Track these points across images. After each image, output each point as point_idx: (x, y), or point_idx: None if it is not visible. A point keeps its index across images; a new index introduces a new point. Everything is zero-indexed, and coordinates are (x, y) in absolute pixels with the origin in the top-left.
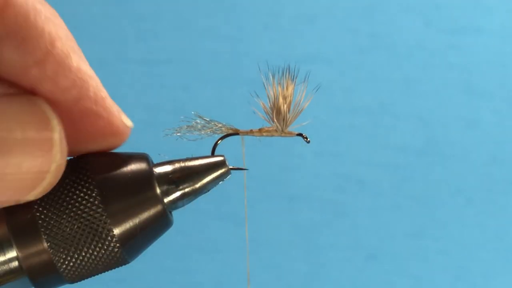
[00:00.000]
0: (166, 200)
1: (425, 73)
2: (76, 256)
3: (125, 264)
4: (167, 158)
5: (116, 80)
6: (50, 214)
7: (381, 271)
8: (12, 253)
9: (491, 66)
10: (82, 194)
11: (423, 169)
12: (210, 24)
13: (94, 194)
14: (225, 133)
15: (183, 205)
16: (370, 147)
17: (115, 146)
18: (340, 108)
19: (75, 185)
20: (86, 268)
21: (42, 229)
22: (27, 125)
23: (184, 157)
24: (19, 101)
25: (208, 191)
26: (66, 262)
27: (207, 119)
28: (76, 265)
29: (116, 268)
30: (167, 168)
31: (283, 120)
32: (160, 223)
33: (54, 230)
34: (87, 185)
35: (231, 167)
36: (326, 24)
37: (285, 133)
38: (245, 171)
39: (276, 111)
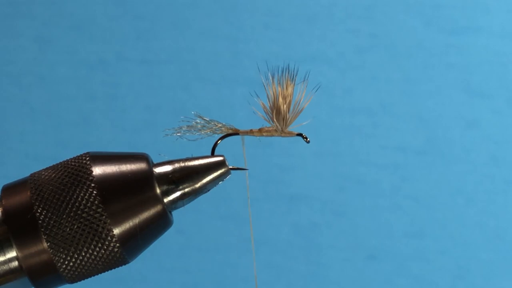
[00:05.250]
0: (166, 200)
1: (425, 73)
2: (76, 256)
3: (125, 264)
4: (167, 158)
5: (116, 80)
6: (50, 214)
7: (381, 271)
8: (12, 253)
9: (491, 66)
10: (82, 194)
11: (423, 169)
12: (210, 24)
13: (94, 194)
14: (225, 133)
15: (183, 205)
16: (370, 147)
17: None
18: (340, 108)
19: (75, 185)
20: (86, 268)
21: (42, 229)
22: None
23: (184, 157)
24: None
25: (208, 191)
26: (66, 262)
27: (207, 119)
28: (76, 265)
29: (116, 268)
30: (167, 168)
31: (283, 120)
32: (160, 223)
33: (54, 230)
34: (87, 185)
35: (231, 167)
36: (326, 24)
37: (285, 133)
38: (246, 171)
39: (276, 111)
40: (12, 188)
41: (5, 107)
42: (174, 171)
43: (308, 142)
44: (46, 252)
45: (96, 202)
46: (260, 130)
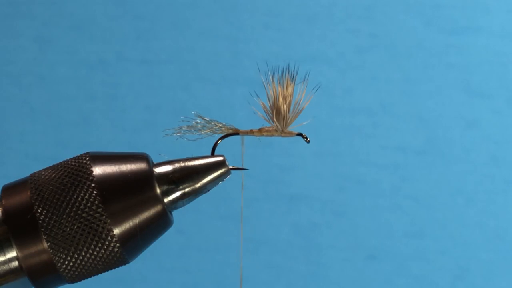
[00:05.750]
0: (166, 200)
1: (425, 73)
2: (76, 256)
3: (125, 264)
4: (167, 158)
5: (116, 80)
6: (50, 214)
7: (381, 271)
8: (12, 253)
9: (491, 66)
10: (82, 194)
11: (423, 169)
12: (210, 24)
13: (94, 194)
14: (225, 133)
15: (183, 205)
16: (370, 147)
17: None
18: (340, 108)
19: (75, 185)
20: (86, 268)
21: (42, 229)
22: None
23: (184, 157)
24: None
25: (208, 191)
26: (66, 262)
27: (207, 119)
28: (76, 265)
29: (116, 268)
30: (167, 168)
31: (283, 120)
32: (160, 223)
33: (54, 230)
34: (87, 185)
35: (231, 167)
36: (326, 24)
37: (285, 133)
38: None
39: (276, 111)
40: (12, 188)
41: (5, 107)
42: (174, 171)
43: (308, 142)
44: (46, 252)
45: (96, 202)
46: (260, 130)
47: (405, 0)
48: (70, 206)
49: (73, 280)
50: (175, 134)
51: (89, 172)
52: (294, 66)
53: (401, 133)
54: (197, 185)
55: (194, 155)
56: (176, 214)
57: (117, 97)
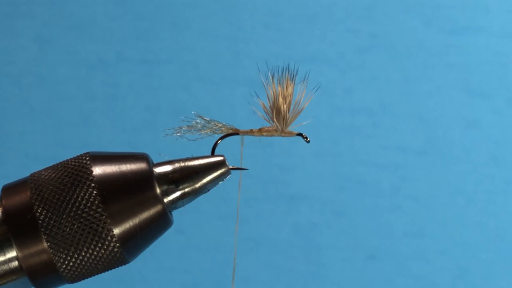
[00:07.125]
0: (166, 200)
1: (425, 73)
2: (76, 256)
3: (125, 263)
4: (167, 158)
5: (116, 80)
6: (50, 214)
7: (381, 271)
8: (12, 253)
9: (491, 66)
10: (82, 194)
11: (423, 169)
12: (210, 24)
13: (94, 194)
14: (225, 133)
15: (183, 205)
16: (370, 147)
17: None
18: (340, 108)
19: (75, 185)
20: (86, 268)
21: (42, 229)
22: None
23: (184, 157)
24: None
25: (208, 191)
26: (66, 262)
27: (207, 119)
28: (76, 265)
29: (116, 268)
30: (167, 168)
31: (283, 120)
32: (160, 223)
33: (54, 230)
34: (87, 185)
35: (231, 167)
36: (326, 24)
37: (285, 133)
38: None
39: (276, 111)
40: (12, 188)
41: (5, 107)
42: (174, 171)
43: (308, 142)
44: (46, 252)
45: (96, 202)
46: (260, 130)
47: (405, 0)
48: (70, 206)
49: (73, 280)
50: (175, 134)
51: (89, 172)
52: (294, 66)
53: (401, 133)
54: (197, 185)
55: (194, 155)
56: (176, 214)
57: (117, 97)
